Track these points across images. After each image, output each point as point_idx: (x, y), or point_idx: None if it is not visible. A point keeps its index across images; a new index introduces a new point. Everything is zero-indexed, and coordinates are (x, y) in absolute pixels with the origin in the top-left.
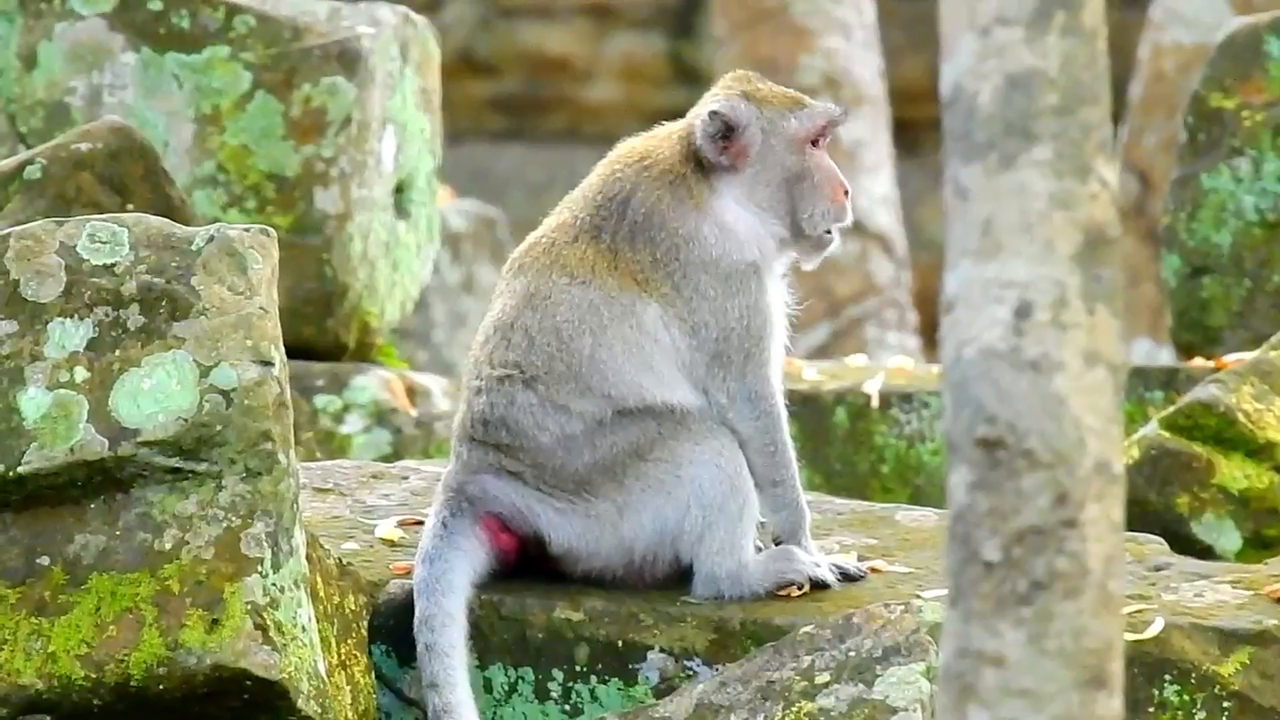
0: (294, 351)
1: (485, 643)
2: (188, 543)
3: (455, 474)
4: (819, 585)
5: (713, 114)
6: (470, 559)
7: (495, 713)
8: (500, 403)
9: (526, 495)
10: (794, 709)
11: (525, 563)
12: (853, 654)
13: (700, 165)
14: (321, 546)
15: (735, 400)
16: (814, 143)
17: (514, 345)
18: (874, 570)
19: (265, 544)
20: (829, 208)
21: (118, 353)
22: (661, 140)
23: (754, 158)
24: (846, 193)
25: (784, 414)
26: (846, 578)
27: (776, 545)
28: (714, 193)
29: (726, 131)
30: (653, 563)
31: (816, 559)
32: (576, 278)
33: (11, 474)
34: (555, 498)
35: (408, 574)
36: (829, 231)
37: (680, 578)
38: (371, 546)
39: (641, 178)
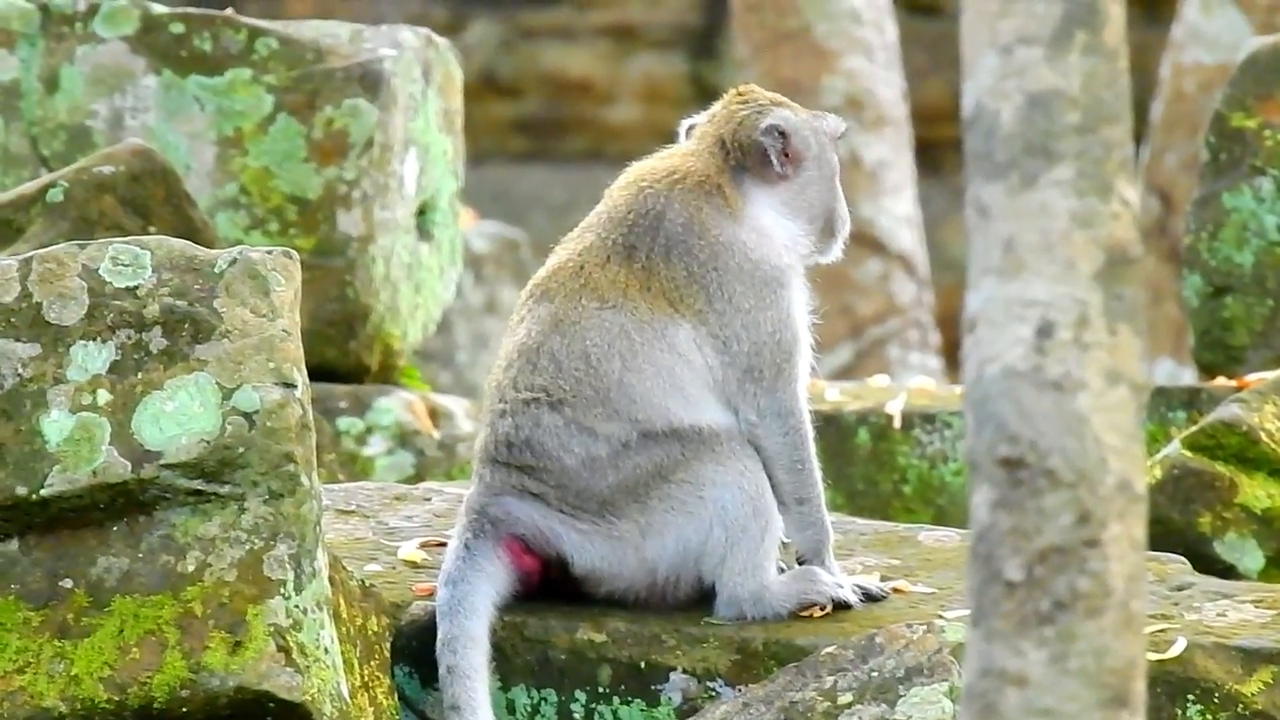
0: (316, 373)
1: (508, 664)
2: (210, 565)
3: (478, 496)
4: (841, 606)
5: (770, 128)
6: (493, 581)
7: None
8: (526, 425)
9: (549, 517)
10: None
11: (548, 584)
12: (875, 674)
13: (735, 176)
14: (344, 568)
15: (765, 416)
16: None
17: (540, 370)
18: (896, 590)
19: (288, 566)
20: (847, 210)
21: (140, 375)
22: (684, 157)
23: (809, 160)
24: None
25: (811, 431)
26: (869, 598)
27: (800, 565)
28: (748, 201)
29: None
30: (675, 584)
31: (839, 579)
32: (607, 302)
33: (34, 497)
34: (578, 519)
35: (430, 596)
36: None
37: (703, 599)
38: (394, 568)
39: (675, 191)
